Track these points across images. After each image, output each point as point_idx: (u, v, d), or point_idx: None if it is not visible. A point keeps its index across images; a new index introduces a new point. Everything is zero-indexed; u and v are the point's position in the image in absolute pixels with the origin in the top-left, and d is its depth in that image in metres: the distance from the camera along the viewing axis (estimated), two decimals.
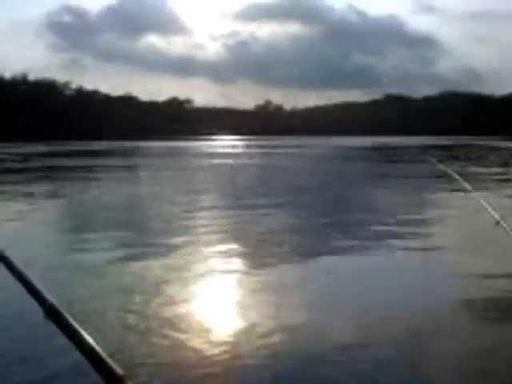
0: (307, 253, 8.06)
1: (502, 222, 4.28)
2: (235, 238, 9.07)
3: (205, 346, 4.38)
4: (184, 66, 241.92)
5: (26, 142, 67.57)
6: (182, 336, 4.58)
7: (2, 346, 4.39)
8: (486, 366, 3.99)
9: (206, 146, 62.96)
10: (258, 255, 7.80)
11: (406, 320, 5.00)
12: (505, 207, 7.75)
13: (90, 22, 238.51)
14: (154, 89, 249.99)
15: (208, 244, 8.50)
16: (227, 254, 7.77)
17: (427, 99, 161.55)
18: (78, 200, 15.12)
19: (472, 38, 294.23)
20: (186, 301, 5.67)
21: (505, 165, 28.95)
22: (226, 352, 4.26)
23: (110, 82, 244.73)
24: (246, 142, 78.19)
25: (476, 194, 5.13)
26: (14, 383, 3.78)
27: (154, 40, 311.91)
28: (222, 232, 9.62)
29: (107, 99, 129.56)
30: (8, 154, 41.58)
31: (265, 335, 4.58)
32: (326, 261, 7.60)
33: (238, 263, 7.37)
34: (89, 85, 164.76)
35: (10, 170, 26.06)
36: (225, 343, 4.44)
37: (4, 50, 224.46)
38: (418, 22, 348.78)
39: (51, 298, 1.34)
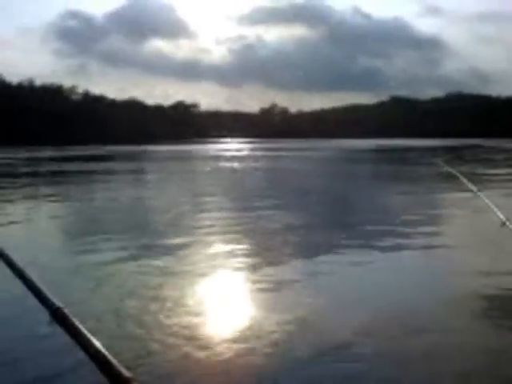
0: (322, 248, 8.18)
1: (507, 223, 4.29)
2: (249, 237, 9.18)
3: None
4: (190, 70, 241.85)
5: (32, 146, 67.87)
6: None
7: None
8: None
9: (212, 150, 63.00)
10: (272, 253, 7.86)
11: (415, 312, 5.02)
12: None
13: (96, 27, 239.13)
14: (159, 93, 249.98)
15: (227, 242, 8.71)
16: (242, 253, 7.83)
17: (434, 101, 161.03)
18: (92, 204, 15.19)
19: (478, 39, 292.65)
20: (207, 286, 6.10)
21: None
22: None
23: (115, 86, 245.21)
24: (253, 145, 78.22)
25: (483, 195, 5.11)
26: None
27: (159, 44, 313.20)
28: (238, 232, 9.72)
29: (113, 104, 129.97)
30: (16, 159, 41.80)
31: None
32: (340, 257, 7.75)
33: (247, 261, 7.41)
34: (95, 89, 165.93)
35: (19, 175, 26.16)
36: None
37: (11, 55, 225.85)
38: (424, 24, 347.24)
39: (57, 300, 1.34)
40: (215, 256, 7.88)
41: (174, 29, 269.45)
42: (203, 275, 6.84)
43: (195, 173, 28.53)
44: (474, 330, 4.82)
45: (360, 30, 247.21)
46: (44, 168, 31.49)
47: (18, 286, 1.43)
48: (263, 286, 6.28)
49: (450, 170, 6.31)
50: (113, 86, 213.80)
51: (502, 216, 4.36)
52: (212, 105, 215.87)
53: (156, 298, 5.72)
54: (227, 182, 22.29)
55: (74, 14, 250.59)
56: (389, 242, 8.84)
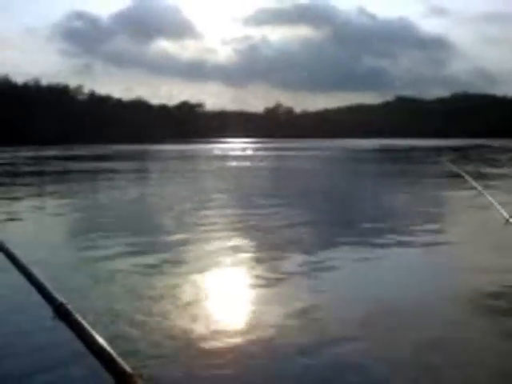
0: (331, 242, 8.22)
1: (511, 220, 4.31)
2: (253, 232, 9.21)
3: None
4: (195, 70, 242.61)
5: (38, 146, 68.11)
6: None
7: None
8: None
9: (217, 149, 63.02)
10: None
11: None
12: None
13: (102, 28, 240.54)
14: (165, 93, 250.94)
15: (231, 237, 8.67)
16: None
17: (439, 101, 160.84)
18: (96, 202, 15.22)
19: (484, 39, 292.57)
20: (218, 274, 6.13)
21: None
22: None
23: (121, 86, 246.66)
24: (257, 145, 78.24)
25: (487, 194, 5.11)
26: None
27: (165, 44, 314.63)
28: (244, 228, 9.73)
29: (119, 103, 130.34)
30: (21, 158, 41.95)
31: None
32: (346, 253, 7.80)
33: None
34: (100, 89, 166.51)
35: (23, 174, 26.25)
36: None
37: (17, 55, 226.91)
38: (430, 25, 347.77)
39: (60, 296, 1.35)
40: (220, 251, 7.97)
41: (179, 29, 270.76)
42: (209, 268, 6.91)
43: (199, 172, 28.55)
44: (475, 324, 4.85)
45: (365, 30, 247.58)
46: (48, 167, 31.60)
47: (22, 282, 1.44)
48: (267, 279, 6.30)
49: (455, 168, 6.32)
50: (118, 86, 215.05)
51: (505, 214, 4.38)
52: (217, 105, 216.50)
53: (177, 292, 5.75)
54: (231, 182, 22.28)
55: (79, 15, 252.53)
56: (394, 238, 8.88)
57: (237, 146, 74.60)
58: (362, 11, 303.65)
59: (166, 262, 7.29)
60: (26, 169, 30.11)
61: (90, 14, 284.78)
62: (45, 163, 35.51)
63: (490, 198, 4.79)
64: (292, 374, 3.87)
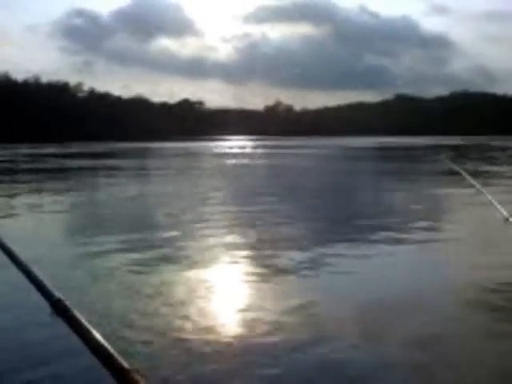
0: (327, 239, 8.22)
1: (511, 219, 4.34)
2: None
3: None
4: (195, 68, 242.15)
5: (38, 143, 68.06)
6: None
7: None
8: None
9: (216, 147, 63.02)
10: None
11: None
12: None
13: (102, 25, 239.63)
14: (165, 91, 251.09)
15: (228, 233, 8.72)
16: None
17: (439, 99, 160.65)
18: (94, 199, 15.23)
19: (485, 38, 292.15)
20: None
21: None
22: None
23: (121, 84, 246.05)
24: (257, 143, 78.22)
25: (486, 193, 5.11)
26: None
27: (165, 42, 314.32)
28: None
29: (119, 101, 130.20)
30: (20, 155, 41.92)
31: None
32: (345, 250, 7.85)
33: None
34: (101, 87, 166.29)
35: (21, 171, 26.26)
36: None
37: (17, 52, 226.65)
38: (431, 23, 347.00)
39: (58, 292, 1.35)
40: (217, 246, 8.08)
41: (179, 27, 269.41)
42: (206, 264, 7.00)
43: (198, 170, 28.53)
44: (472, 317, 4.90)
45: (366, 28, 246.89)
46: (48, 165, 31.56)
47: (20, 277, 1.44)
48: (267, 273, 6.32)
49: (454, 166, 6.31)
50: (118, 83, 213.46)
51: (505, 212, 4.41)
52: (217, 102, 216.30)
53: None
54: (230, 180, 22.30)
55: (80, 12, 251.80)
56: (391, 236, 8.94)
57: (236, 144, 74.55)
58: (363, 9, 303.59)
59: (162, 257, 7.34)
60: (25, 166, 30.09)
61: (91, 12, 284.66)
62: (44, 161, 35.47)
63: (490, 197, 4.80)
64: (286, 367, 3.89)
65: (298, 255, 7.56)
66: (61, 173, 25.61)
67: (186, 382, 3.70)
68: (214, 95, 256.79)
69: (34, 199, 14.76)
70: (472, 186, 5.38)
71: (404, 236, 8.95)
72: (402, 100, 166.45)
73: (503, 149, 50.00)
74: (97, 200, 15.07)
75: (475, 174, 6.19)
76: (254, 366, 3.93)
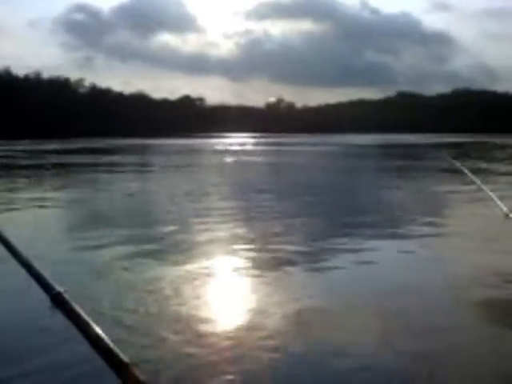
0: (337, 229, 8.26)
1: (511, 215, 4.37)
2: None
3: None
4: (197, 64, 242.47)
5: (39, 139, 68.03)
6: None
7: None
8: None
9: (217, 144, 62.93)
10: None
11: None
12: None
13: (103, 21, 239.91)
14: (166, 87, 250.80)
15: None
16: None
17: (440, 97, 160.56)
18: (95, 195, 15.21)
19: (486, 35, 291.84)
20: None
21: None
22: None
23: (122, 79, 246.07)
24: (258, 140, 78.15)
25: (488, 190, 5.12)
26: None
27: (167, 38, 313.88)
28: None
29: (120, 97, 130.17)
30: (21, 151, 41.90)
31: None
32: (349, 244, 7.88)
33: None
34: (102, 83, 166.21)
35: (22, 167, 26.22)
36: None
37: (18, 48, 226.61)
38: (432, 20, 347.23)
39: (58, 286, 1.35)
40: (216, 240, 8.18)
41: (181, 23, 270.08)
42: (205, 257, 7.03)
43: (198, 167, 28.53)
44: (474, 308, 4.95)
45: (367, 24, 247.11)
46: (48, 161, 31.55)
47: (19, 271, 1.44)
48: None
49: (456, 164, 6.32)
50: (119, 79, 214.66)
51: (505, 209, 4.43)
52: (218, 99, 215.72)
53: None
54: (229, 176, 22.28)
55: (81, 8, 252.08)
56: (394, 231, 9.01)
57: (237, 141, 74.48)
58: (365, 5, 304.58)
59: (159, 251, 7.43)
60: (25, 162, 30.07)
61: (92, 7, 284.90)
62: (44, 157, 35.46)
63: (491, 194, 4.82)
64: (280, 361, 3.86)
65: (293, 249, 7.58)
66: (61, 169, 25.58)
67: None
68: (215, 92, 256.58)
69: (33, 195, 14.72)
70: (474, 183, 5.40)
71: (405, 231, 8.96)
72: (403, 97, 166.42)
73: (503, 147, 49.94)
74: (96, 196, 15.04)
75: (476, 172, 6.20)
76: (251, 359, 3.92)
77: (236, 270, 6.49)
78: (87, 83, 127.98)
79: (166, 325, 4.51)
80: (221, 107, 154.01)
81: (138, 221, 10.40)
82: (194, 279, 6.00)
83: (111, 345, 1.24)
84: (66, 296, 1.33)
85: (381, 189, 16.75)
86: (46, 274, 1.40)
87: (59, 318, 1.33)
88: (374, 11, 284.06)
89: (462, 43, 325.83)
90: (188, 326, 4.52)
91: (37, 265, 1.44)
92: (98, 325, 1.28)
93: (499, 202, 4.69)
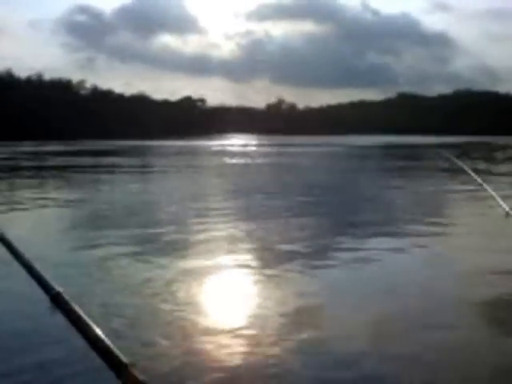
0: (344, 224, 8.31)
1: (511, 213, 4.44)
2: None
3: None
4: (198, 66, 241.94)
5: (40, 141, 68.14)
6: None
7: None
8: None
9: (218, 145, 62.97)
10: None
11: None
12: None
13: (105, 22, 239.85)
14: (167, 88, 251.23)
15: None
16: None
17: (441, 98, 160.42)
18: (96, 196, 15.23)
19: (487, 36, 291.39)
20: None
21: None
22: None
23: (123, 81, 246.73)
24: (259, 141, 78.21)
25: (489, 189, 5.15)
26: None
27: (168, 39, 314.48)
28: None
29: (121, 98, 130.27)
30: (22, 153, 41.97)
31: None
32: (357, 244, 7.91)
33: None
34: (103, 84, 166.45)
35: (23, 169, 26.27)
36: None
37: (20, 49, 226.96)
38: (433, 21, 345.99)
39: (58, 286, 1.34)
40: (218, 239, 8.28)
41: (182, 24, 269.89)
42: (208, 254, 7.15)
43: (200, 168, 28.55)
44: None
45: (368, 25, 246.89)
46: (49, 162, 31.61)
47: (19, 270, 1.43)
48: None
49: (459, 163, 6.35)
50: (121, 80, 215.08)
51: (506, 207, 4.48)
52: (219, 100, 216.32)
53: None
54: (229, 178, 22.27)
55: (83, 9, 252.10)
56: (396, 229, 9.19)
57: (238, 142, 74.53)
58: (365, 6, 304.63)
59: (158, 249, 7.56)
60: (27, 164, 30.11)
61: (94, 8, 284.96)
62: (46, 158, 35.50)
63: (492, 193, 4.86)
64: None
65: (288, 248, 7.68)
66: (63, 170, 25.59)
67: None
68: (216, 93, 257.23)
69: (35, 195, 14.74)
70: (476, 184, 5.45)
71: (407, 230, 9.07)
72: (404, 98, 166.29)
73: (505, 147, 50.00)
74: (97, 197, 15.07)
75: (476, 172, 6.32)
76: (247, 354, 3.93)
77: (240, 266, 6.63)
78: (89, 85, 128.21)
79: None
80: (222, 108, 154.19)
81: (138, 221, 10.43)
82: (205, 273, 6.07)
83: (111, 345, 1.24)
84: (66, 296, 1.32)
85: (383, 189, 16.78)
86: (45, 273, 1.40)
87: (58, 319, 1.32)
88: (375, 12, 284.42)
89: (462, 44, 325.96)
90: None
91: (36, 264, 1.43)
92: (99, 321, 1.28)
93: (501, 202, 4.73)
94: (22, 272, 1.45)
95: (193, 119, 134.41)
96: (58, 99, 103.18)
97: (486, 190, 5.01)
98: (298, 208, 11.97)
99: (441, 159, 21.07)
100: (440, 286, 5.75)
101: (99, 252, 7.34)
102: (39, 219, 10.97)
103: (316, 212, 11.51)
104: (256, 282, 5.99)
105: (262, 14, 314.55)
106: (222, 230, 9.11)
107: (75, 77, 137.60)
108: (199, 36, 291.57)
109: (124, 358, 1.20)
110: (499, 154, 38.44)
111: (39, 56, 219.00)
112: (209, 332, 4.37)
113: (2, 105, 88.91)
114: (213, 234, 8.65)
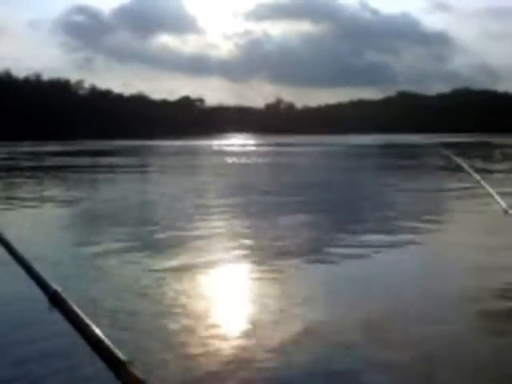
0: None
1: (510, 211, 4.49)
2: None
3: None
4: (197, 65, 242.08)
5: (39, 141, 68.15)
6: None
7: None
8: None
9: (216, 145, 62.98)
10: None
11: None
12: None
13: (103, 22, 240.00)
14: (165, 88, 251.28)
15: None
16: None
17: (440, 97, 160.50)
18: (95, 196, 15.23)
19: (486, 35, 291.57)
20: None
21: None
22: None
23: (122, 81, 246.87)
24: (258, 141, 78.21)
25: (488, 186, 5.17)
26: None
27: (166, 39, 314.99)
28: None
29: (119, 98, 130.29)
30: (21, 153, 41.96)
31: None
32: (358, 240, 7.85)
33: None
34: (102, 84, 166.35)
35: (22, 169, 26.27)
36: None
37: (18, 49, 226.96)
38: (432, 20, 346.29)
39: (55, 284, 1.34)
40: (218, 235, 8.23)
41: (180, 24, 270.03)
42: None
43: (199, 167, 28.58)
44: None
45: (367, 25, 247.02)
46: (47, 162, 31.61)
47: (17, 270, 1.43)
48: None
49: (457, 161, 6.37)
50: (119, 80, 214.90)
51: (504, 205, 4.55)
52: (218, 99, 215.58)
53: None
54: (227, 177, 22.27)
55: (81, 9, 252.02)
56: (396, 226, 9.26)
57: (236, 142, 74.54)
58: (364, 6, 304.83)
59: (156, 248, 7.58)
60: (26, 164, 30.10)
61: (92, 8, 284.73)
62: (45, 158, 35.49)
63: (491, 190, 4.90)
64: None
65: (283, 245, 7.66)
66: (61, 171, 25.58)
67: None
68: (215, 92, 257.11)
69: (34, 195, 14.76)
70: (475, 181, 5.48)
71: (405, 228, 9.11)
72: (403, 97, 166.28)
73: (502, 146, 50.09)
74: (95, 197, 15.07)
75: (476, 170, 6.35)
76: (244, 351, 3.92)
77: (237, 262, 6.76)
78: (87, 85, 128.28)
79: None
80: (220, 108, 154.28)
81: (135, 219, 10.56)
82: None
83: (109, 344, 1.23)
84: (64, 295, 1.32)
85: (382, 187, 16.82)
86: (43, 271, 1.39)
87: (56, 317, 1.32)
88: (374, 12, 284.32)
89: (461, 43, 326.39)
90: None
91: (35, 264, 1.43)
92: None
93: (499, 199, 4.77)
94: (21, 271, 1.44)
95: (191, 119, 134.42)
96: (56, 99, 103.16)
97: (484, 187, 5.04)
98: (296, 206, 11.98)
99: (440, 157, 21.11)
100: (436, 283, 5.78)
101: (97, 249, 7.40)
102: (36, 219, 10.97)
103: (314, 210, 11.53)
104: (254, 279, 6.05)
105: (260, 14, 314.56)
106: (220, 227, 9.19)
107: (73, 77, 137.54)
108: (198, 36, 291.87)
109: (123, 357, 1.20)
110: (497, 153, 38.49)
111: (38, 56, 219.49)
112: (209, 332, 4.37)
113: (1, 105, 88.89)
114: (211, 231, 8.73)
